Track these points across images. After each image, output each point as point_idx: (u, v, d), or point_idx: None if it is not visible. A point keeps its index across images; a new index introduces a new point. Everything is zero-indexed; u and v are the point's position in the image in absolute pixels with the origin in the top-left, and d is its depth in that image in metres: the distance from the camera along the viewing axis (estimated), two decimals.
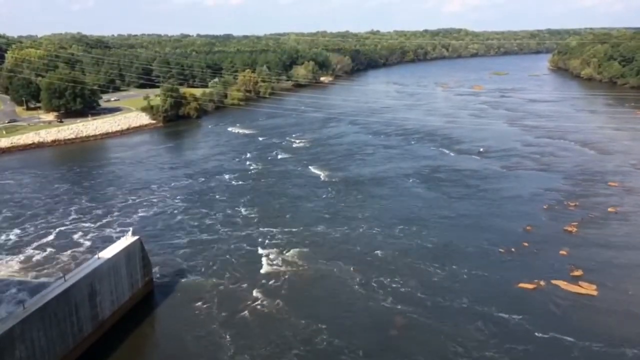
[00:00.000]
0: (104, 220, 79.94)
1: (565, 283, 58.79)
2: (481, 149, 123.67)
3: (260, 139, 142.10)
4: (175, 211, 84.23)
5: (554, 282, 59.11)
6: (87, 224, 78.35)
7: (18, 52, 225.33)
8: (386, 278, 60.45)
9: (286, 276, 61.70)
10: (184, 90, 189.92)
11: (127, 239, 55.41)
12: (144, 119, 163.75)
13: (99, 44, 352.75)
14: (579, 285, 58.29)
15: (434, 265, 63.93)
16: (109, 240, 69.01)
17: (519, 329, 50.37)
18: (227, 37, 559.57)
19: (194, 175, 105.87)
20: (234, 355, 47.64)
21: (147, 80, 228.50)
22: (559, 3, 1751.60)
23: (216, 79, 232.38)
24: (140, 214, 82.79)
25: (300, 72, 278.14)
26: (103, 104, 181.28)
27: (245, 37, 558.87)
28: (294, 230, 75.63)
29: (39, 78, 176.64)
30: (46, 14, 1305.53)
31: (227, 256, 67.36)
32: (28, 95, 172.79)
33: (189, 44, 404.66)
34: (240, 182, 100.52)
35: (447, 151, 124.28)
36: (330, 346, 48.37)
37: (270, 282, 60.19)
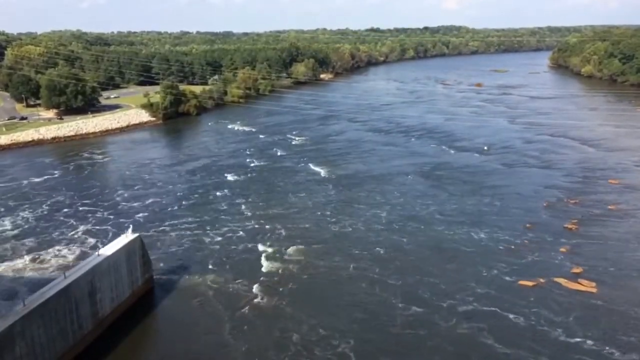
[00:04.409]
0: (104, 217, 79.88)
1: (566, 280, 58.81)
2: (485, 147, 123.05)
3: (261, 136, 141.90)
4: (175, 208, 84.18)
5: (554, 279, 59.11)
6: (86, 221, 78.25)
7: (18, 49, 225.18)
8: (386, 275, 60.48)
9: (286, 273, 61.71)
10: (183, 87, 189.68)
11: (127, 236, 55.36)
12: (144, 116, 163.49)
13: (99, 41, 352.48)
14: (579, 283, 58.32)
15: (434, 262, 63.97)
16: (109, 237, 69.10)
17: (518, 327, 50.40)
18: (227, 35, 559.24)
19: (193, 172, 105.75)
20: (235, 352, 47.67)
21: (146, 78, 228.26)
22: (555, 1, 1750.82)
23: (216, 77, 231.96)
24: (140, 211, 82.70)
25: (300, 69, 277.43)
26: (103, 101, 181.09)
27: (246, 34, 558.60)
28: (294, 226, 75.59)
29: (39, 75, 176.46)
30: (55, 12, 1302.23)
31: (228, 253, 67.34)
32: (28, 92, 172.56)
33: (188, 41, 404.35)
34: (240, 179, 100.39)
35: (447, 148, 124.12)
36: (330, 343, 48.37)
37: (271, 279, 60.19)
